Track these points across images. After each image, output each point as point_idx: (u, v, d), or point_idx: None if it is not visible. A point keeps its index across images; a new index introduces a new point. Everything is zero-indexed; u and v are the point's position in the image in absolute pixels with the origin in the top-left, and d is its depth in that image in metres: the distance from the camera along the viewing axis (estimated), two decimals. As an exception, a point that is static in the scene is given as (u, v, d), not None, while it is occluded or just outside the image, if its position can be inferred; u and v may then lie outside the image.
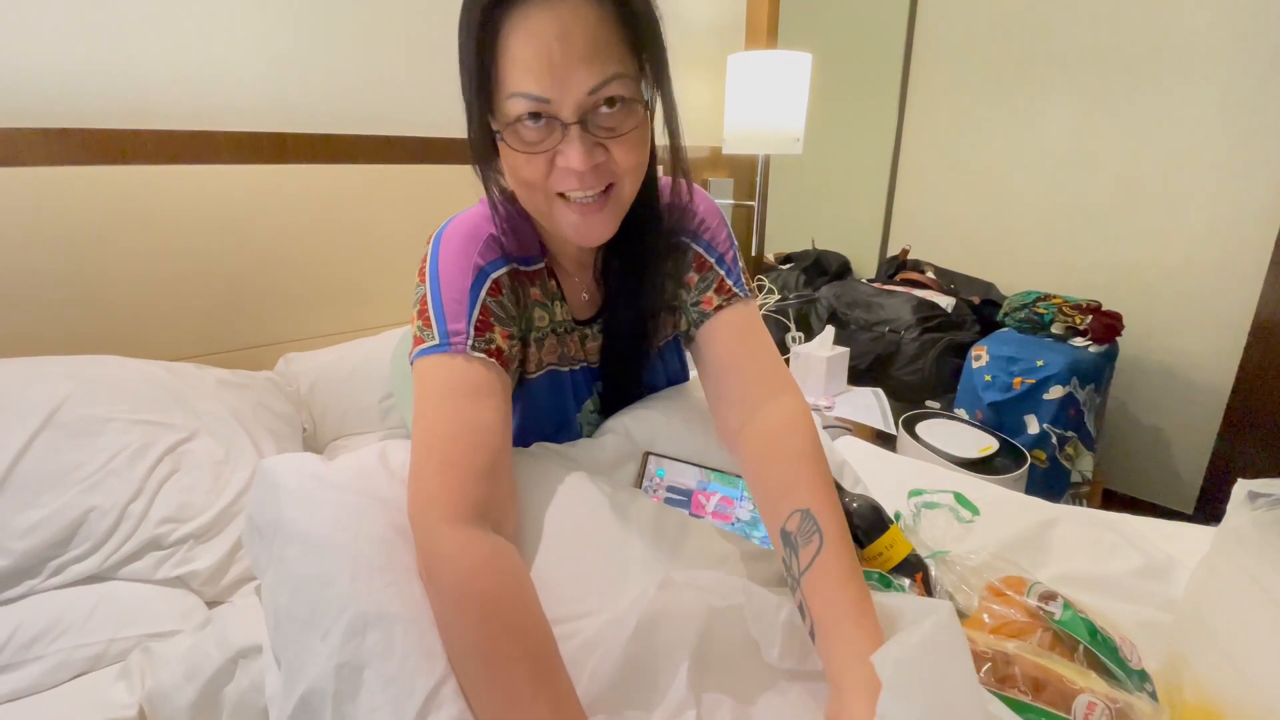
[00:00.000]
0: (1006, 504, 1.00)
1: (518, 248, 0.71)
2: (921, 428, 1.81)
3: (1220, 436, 2.07)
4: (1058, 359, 1.85)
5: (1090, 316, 1.95)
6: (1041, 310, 2.03)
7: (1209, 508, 2.12)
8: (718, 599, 0.56)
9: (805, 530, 0.59)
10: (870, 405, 1.88)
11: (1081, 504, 1.84)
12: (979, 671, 0.55)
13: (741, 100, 1.96)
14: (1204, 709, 0.58)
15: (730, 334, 0.75)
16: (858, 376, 2.12)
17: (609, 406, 0.86)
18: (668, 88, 0.64)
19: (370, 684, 0.48)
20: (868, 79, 2.68)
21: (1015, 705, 0.52)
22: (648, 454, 0.81)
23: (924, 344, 2.09)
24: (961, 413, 2.00)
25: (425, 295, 0.66)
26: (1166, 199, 2.07)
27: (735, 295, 0.76)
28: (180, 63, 1.27)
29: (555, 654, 0.52)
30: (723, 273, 0.77)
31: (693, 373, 0.95)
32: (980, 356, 1.97)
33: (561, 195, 0.63)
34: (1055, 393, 1.84)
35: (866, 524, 0.73)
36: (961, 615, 0.65)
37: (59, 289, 1.18)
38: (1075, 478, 1.92)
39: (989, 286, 2.39)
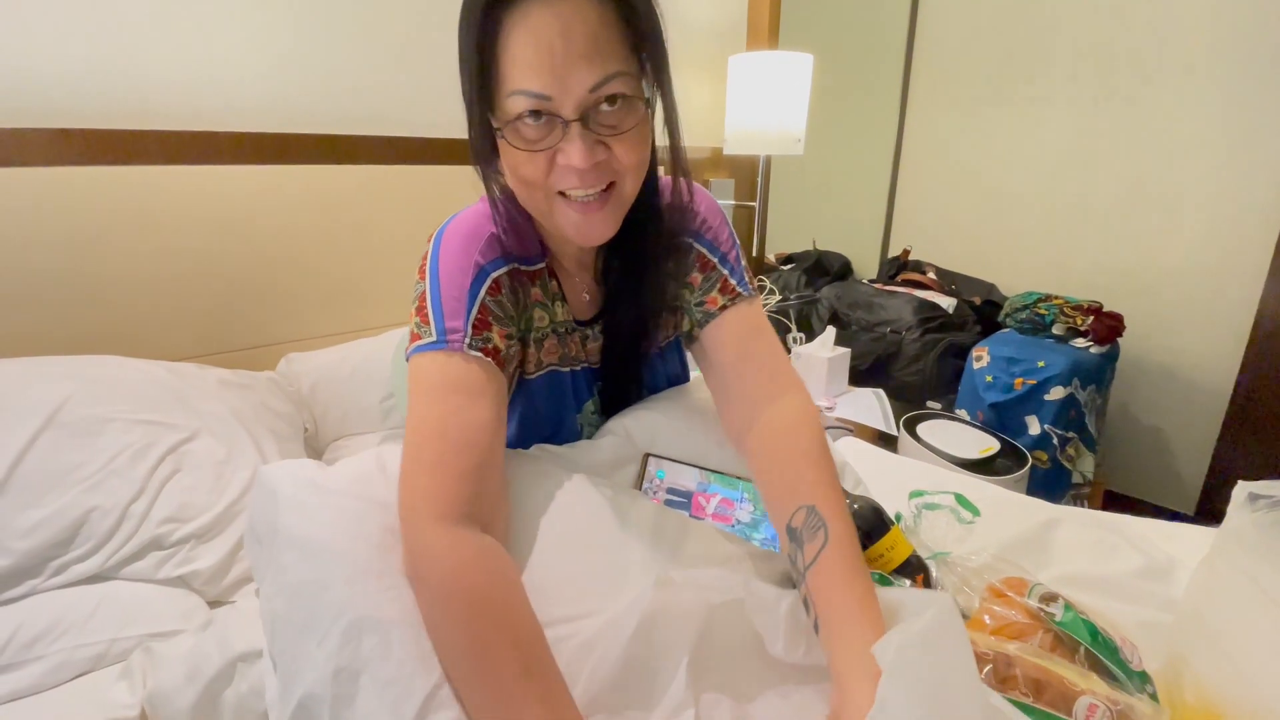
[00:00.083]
0: (1007, 505, 1.00)
1: (519, 247, 0.71)
2: (922, 428, 1.81)
3: (1221, 438, 2.07)
4: (1059, 360, 1.85)
5: (1091, 317, 1.95)
6: (1043, 311, 2.03)
7: (1210, 509, 2.11)
8: (717, 595, 0.56)
9: (811, 526, 0.59)
10: (871, 406, 1.88)
11: (1082, 505, 1.84)
12: (980, 673, 0.55)
13: (743, 101, 1.97)
14: (1205, 710, 0.58)
15: (736, 334, 0.75)
16: (859, 377, 2.12)
17: (609, 407, 0.86)
18: (668, 86, 0.64)
19: (367, 688, 0.48)
20: (869, 80, 2.68)
21: (1016, 707, 0.52)
22: (647, 455, 0.81)
23: (925, 345, 2.09)
24: (962, 414, 2.00)
25: (424, 292, 0.66)
26: (1168, 200, 2.07)
27: (739, 295, 0.76)
28: (181, 63, 1.28)
29: (545, 650, 0.52)
30: (726, 272, 0.77)
31: (694, 373, 0.95)
32: (981, 357, 1.97)
33: (562, 194, 0.63)
34: (1056, 394, 1.84)
35: (868, 525, 0.73)
36: (963, 616, 0.65)
37: (61, 289, 1.18)
38: (1076, 479, 1.91)
39: (990, 287, 2.39)
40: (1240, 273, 1.96)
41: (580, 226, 0.64)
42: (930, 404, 2.09)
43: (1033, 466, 1.74)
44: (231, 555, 0.98)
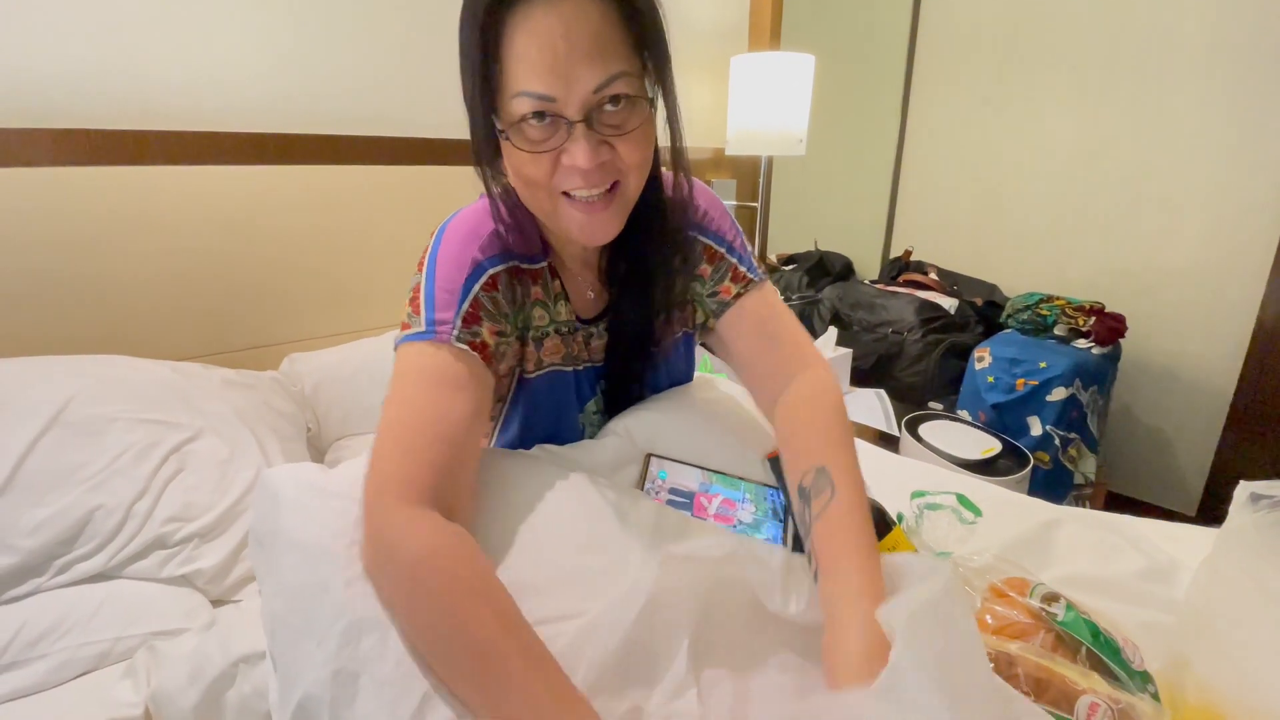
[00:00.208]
0: (1009, 505, 1.00)
1: (520, 245, 0.71)
2: (924, 429, 1.81)
3: (1223, 438, 2.06)
4: (1061, 361, 1.85)
5: (1093, 318, 1.95)
6: (1044, 312, 2.03)
7: (1211, 510, 2.11)
8: (717, 550, 0.56)
9: (819, 484, 0.62)
10: (873, 406, 1.88)
11: (1084, 506, 1.83)
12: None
13: (745, 101, 1.97)
14: (1206, 710, 0.58)
15: (756, 318, 0.77)
16: (861, 378, 2.13)
17: (613, 406, 0.86)
18: (670, 85, 0.64)
19: (366, 689, 0.49)
20: (871, 81, 2.68)
21: (1017, 706, 0.52)
22: (649, 456, 0.81)
23: (927, 345, 2.09)
24: (964, 414, 2.00)
25: (419, 284, 0.66)
26: (1169, 201, 2.07)
27: (751, 280, 0.78)
28: (182, 64, 1.28)
29: (523, 618, 0.51)
30: (735, 260, 0.78)
31: (696, 374, 0.95)
32: (983, 358, 1.97)
33: (566, 194, 0.63)
34: (1058, 394, 1.83)
35: (869, 525, 0.74)
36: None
37: (63, 289, 1.18)
38: (1078, 479, 1.91)
39: (992, 288, 2.39)
40: (1242, 273, 1.96)
41: (585, 226, 0.64)
42: (932, 405, 2.09)
43: (1034, 467, 1.74)
44: (234, 554, 0.98)
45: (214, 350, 1.36)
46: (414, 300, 0.65)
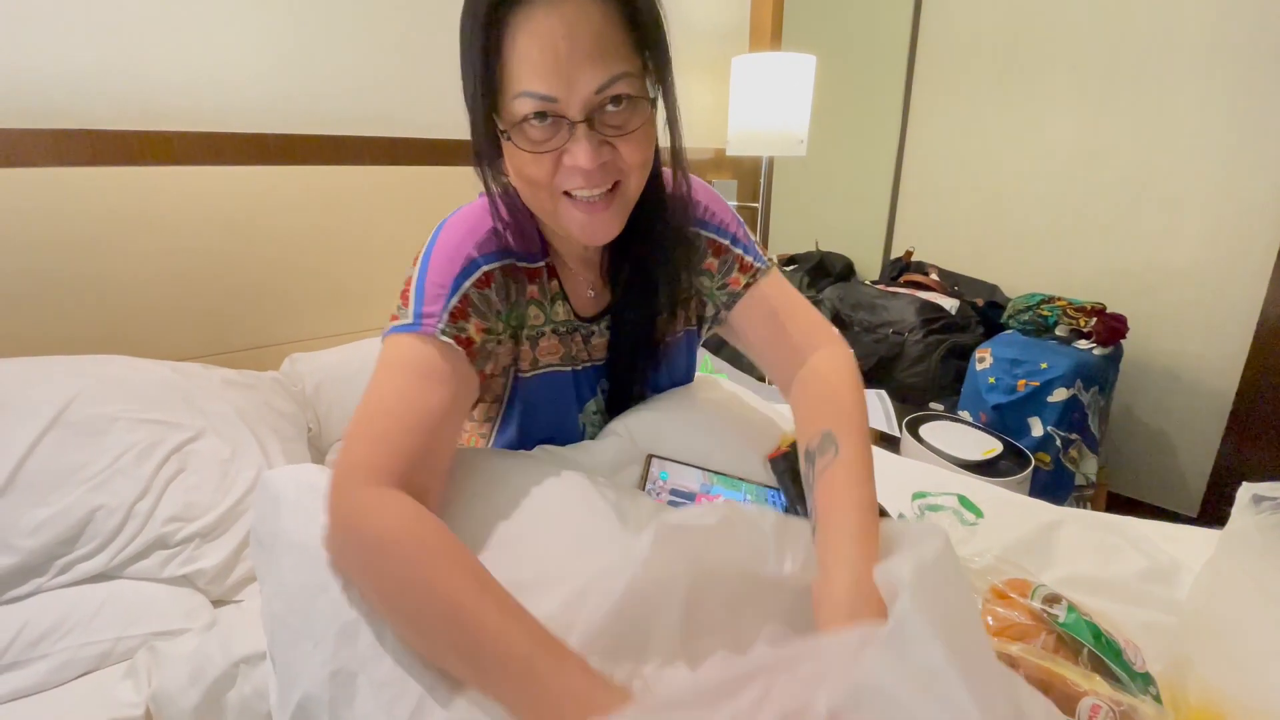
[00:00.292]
0: (1010, 506, 1.00)
1: (519, 244, 0.71)
2: (925, 430, 1.81)
3: (1225, 440, 2.06)
4: (1062, 361, 1.85)
5: (1094, 319, 1.95)
6: (1046, 312, 2.03)
7: (1213, 511, 2.11)
8: (711, 517, 0.56)
9: (824, 446, 0.63)
10: (874, 407, 1.88)
11: (1085, 507, 1.82)
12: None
13: (745, 102, 1.97)
14: (1208, 711, 0.57)
15: (767, 306, 0.78)
16: (861, 378, 2.12)
17: (614, 406, 0.86)
18: (671, 85, 0.64)
19: (364, 689, 0.49)
20: (872, 81, 2.68)
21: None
22: (651, 456, 0.81)
23: (928, 346, 2.09)
24: (965, 415, 1.99)
25: (411, 277, 0.66)
26: (1171, 201, 2.07)
27: (758, 269, 0.79)
28: (183, 64, 1.28)
29: (494, 578, 0.50)
30: (740, 251, 0.79)
31: (698, 374, 0.95)
32: (984, 359, 1.97)
33: (567, 194, 0.63)
34: (1059, 395, 1.83)
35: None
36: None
37: (65, 289, 1.18)
38: (1079, 480, 1.91)
39: (993, 288, 2.39)
40: (1244, 274, 1.96)
41: (586, 226, 0.64)
42: (933, 405, 2.08)
43: (1035, 468, 1.74)
44: (236, 554, 0.98)
45: (215, 350, 1.36)
46: (405, 293, 0.66)
